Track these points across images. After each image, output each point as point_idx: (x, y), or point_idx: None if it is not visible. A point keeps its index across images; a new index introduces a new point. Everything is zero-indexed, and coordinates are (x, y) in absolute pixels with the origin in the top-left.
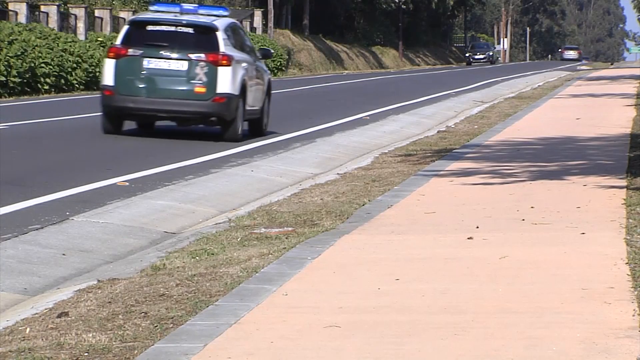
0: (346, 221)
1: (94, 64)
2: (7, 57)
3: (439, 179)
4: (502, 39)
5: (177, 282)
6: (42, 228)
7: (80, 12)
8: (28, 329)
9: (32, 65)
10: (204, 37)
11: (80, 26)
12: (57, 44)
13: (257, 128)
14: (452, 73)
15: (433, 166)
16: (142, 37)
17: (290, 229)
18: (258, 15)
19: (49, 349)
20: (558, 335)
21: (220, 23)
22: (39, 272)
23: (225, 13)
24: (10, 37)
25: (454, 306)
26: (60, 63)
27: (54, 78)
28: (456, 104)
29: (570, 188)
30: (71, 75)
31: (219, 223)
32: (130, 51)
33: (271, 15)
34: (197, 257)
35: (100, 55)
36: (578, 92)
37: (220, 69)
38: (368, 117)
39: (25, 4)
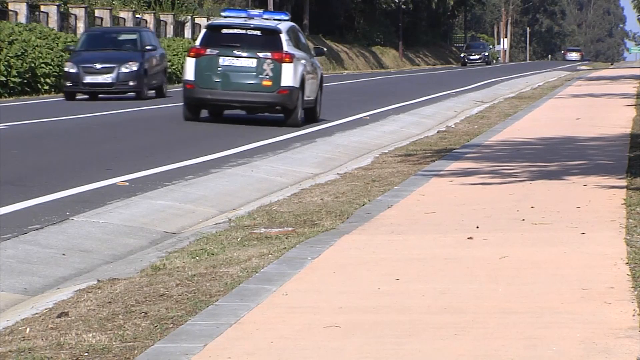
0: (346, 221)
1: None
2: (7, 57)
3: (439, 179)
4: (502, 39)
5: (177, 282)
6: (42, 228)
7: (80, 12)
8: (28, 329)
9: (32, 65)
10: (269, 38)
11: (80, 26)
12: (57, 44)
13: (311, 115)
14: (452, 73)
15: (433, 166)
16: (217, 39)
17: (290, 229)
18: None
19: (49, 349)
20: (558, 335)
21: (283, 26)
22: (39, 272)
23: (286, 17)
24: (11, 37)
25: (454, 306)
26: (60, 63)
27: (54, 78)
28: (456, 104)
29: (570, 188)
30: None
31: (219, 223)
32: (208, 51)
33: None
34: (197, 257)
35: None
36: (578, 92)
37: (284, 65)
38: (368, 117)
39: (25, 4)
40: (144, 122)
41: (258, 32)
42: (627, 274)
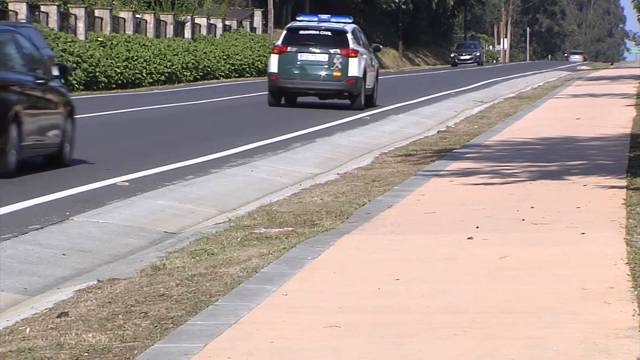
0: (346, 221)
1: (94, 64)
2: None
3: (439, 179)
4: (502, 39)
5: (177, 282)
6: (42, 228)
7: (80, 12)
8: (28, 329)
9: None
10: (338, 38)
11: (80, 26)
12: (57, 44)
13: (369, 101)
14: (452, 73)
15: (433, 166)
16: (295, 38)
17: (290, 229)
18: (258, 15)
19: (49, 349)
20: (558, 335)
21: (348, 27)
22: (39, 272)
23: (350, 20)
24: None
25: (454, 306)
26: (60, 63)
27: None
28: (456, 104)
29: (570, 188)
30: (71, 75)
31: (219, 223)
32: (289, 49)
33: (271, 15)
34: (197, 257)
35: (100, 55)
36: (578, 92)
37: (350, 59)
38: (368, 117)
39: (25, 4)
40: (144, 122)
41: (329, 33)
42: (627, 274)
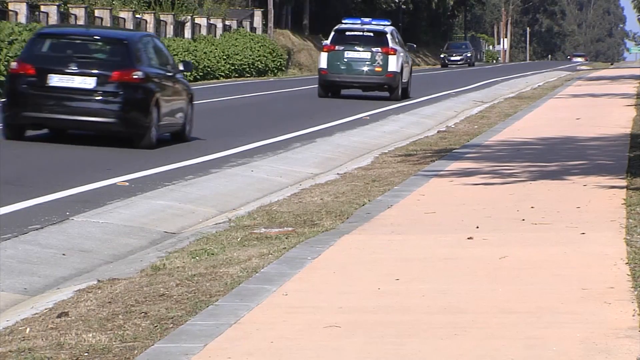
0: (346, 221)
1: None
2: (7, 57)
3: (439, 179)
4: (502, 39)
5: (177, 282)
6: (42, 228)
7: (80, 12)
8: (28, 329)
9: None
10: (379, 38)
11: None
12: None
13: (405, 93)
14: (452, 73)
15: (433, 166)
16: (342, 39)
17: (290, 229)
18: (258, 15)
19: (49, 349)
20: (558, 335)
21: (387, 29)
22: (39, 272)
23: (388, 23)
24: (10, 37)
25: (454, 306)
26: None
27: None
28: (456, 104)
29: (570, 188)
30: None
31: (219, 223)
32: (336, 47)
33: (271, 15)
34: (197, 257)
35: None
36: (578, 92)
37: (389, 56)
38: (368, 117)
39: (25, 4)
40: None
41: (371, 34)
42: (627, 274)
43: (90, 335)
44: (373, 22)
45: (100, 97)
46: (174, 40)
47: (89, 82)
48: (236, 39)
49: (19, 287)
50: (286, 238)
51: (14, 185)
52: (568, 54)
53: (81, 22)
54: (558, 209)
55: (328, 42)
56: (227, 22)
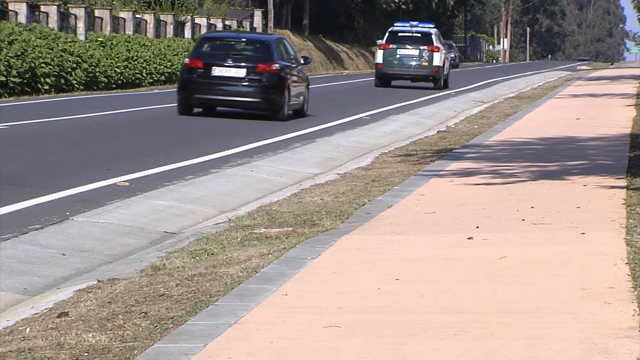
0: (346, 221)
1: (94, 64)
2: (7, 57)
3: (439, 179)
4: (502, 39)
5: (177, 282)
6: (42, 228)
7: (80, 12)
8: (28, 329)
9: (32, 65)
10: (425, 38)
11: (80, 26)
12: (57, 44)
13: (446, 84)
14: (452, 73)
15: (433, 166)
16: (395, 39)
17: (290, 229)
18: (258, 15)
19: (49, 349)
20: (558, 335)
21: (432, 31)
22: (39, 272)
23: (432, 26)
24: (10, 37)
25: (454, 306)
26: (60, 63)
27: (53, 78)
28: (456, 104)
29: (570, 188)
30: (71, 75)
31: (219, 223)
32: (390, 46)
33: (271, 15)
34: (197, 257)
35: (100, 55)
36: (578, 92)
37: (434, 53)
38: (368, 117)
39: (25, 4)
40: (144, 122)
41: (419, 34)
42: (627, 274)
43: (90, 335)
44: (420, 25)
45: (248, 83)
46: (174, 40)
47: (241, 72)
48: None
49: (19, 287)
50: (286, 238)
51: (14, 185)
52: (574, 57)
53: (81, 22)
54: (558, 209)
55: (383, 41)
56: (227, 22)
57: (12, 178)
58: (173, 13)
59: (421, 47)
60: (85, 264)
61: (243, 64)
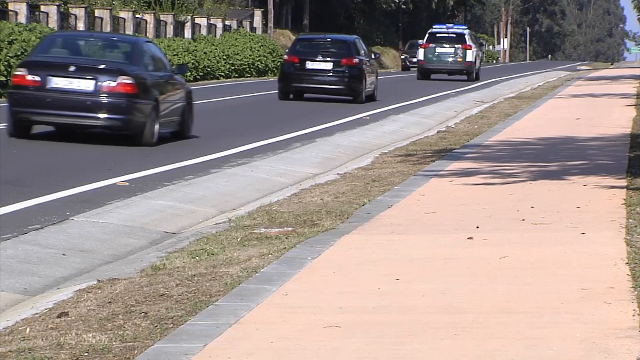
0: (346, 221)
1: None
2: (7, 57)
3: (439, 179)
4: (502, 39)
5: (177, 282)
6: (42, 228)
7: (80, 12)
8: (28, 329)
9: None
10: (459, 38)
11: (80, 26)
12: None
13: (477, 77)
14: None
15: (433, 166)
16: (434, 39)
17: (290, 229)
18: (258, 15)
19: (49, 349)
20: (558, 335)
21: (465, 31)
22: (39, 272)
23: (466, 27)
24: (10, 37)
25: (454, 306)
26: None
27: None
28: (456, 104)
29: (570, 188)
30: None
31: (219, 223)
32: (430, 45)
33: (271, 15)
34: (197, 257)
35: None
36: (578, 92)
37: (467, 50)
38: (368, 117)
39: (25, 4)
40: None
41: (454, 35)
42: (627, 274)
43: (90, 335)
44: (454, 27)
45: (334, 74)
46: (174, 40)
47: (329, 65)
48: (236, 39)
49: (19, 287)
50: (286, 238)
51: (14, 185)
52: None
53: (81, 22)
54: (558, 209)
55: (424, 41)
56: (227, 22)
57: (13, 178)
58: (173, 13)
59: (456, 46)
60: (85, 264)
61: (329, 59)
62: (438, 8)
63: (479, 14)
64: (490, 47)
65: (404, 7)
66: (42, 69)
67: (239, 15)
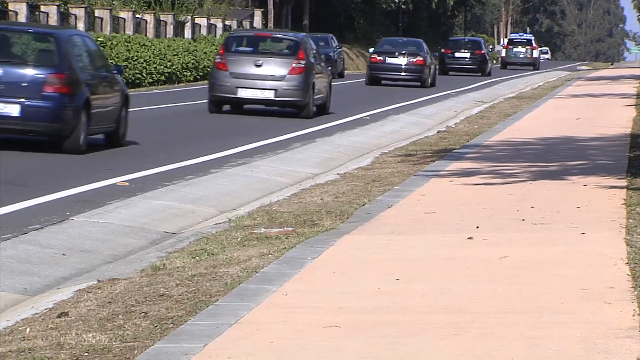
0: (346, 221)
1: None
2: None
3: (439, 179)
4: (502, 39)
5: (177, 282)
6: (42, 228)
7: (80, 12)
8: (28, 329)
9: None
10: (528, 42)
11: (80, 26)
12: None
13: (539, 67)
14: (452, 74)
15: (433, 166)
16: (512, 42)
17: (290, 229)
18: (258, 15)
19: (49, 349)
20: (558, 335)
21: (532, 37)
22: (39, 272)
23: (530, 35)
24: None
25: (454, 306)
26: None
27: None
28: (456, 104)
29: (570, 188)
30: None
31: (219, 223)
32: (509, 47)
33: (271, 15)
34: (197, 257)
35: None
36: (578, 92)
37: (534, 50)
38: (368, 117)
39: (25, 4)
40: (144, 122)
41: (524, 40)
42: (627, 274)
43: (90, 335)
44: (525, 35)
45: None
46: (174, 40)
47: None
48: None
49: (19, 287)
50: (286, 238)
51: (14, 185)
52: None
53: (81, 22)
54: (558, 209)
55: (504, 43)
56: (227, 22)
57: (12, 178)
58: (173, 13)
59: (526, 47)
60: (85, 264)
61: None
62: (438, 8)
63: (479, 14)
64: (491, 47)
65: (404, 7)
66: None
67: (239, 15)
